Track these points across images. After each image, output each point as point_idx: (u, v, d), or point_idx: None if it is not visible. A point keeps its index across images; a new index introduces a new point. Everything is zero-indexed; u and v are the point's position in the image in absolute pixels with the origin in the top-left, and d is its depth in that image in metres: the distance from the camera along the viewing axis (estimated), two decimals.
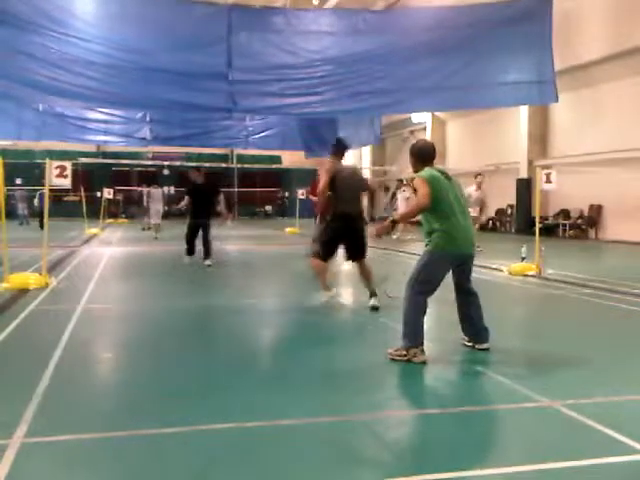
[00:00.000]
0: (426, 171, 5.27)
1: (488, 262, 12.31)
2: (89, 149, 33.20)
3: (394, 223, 5.35)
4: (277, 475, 3.12)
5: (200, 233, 12.13)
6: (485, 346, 5.44)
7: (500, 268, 11.34)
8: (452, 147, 29.69)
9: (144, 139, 18.66)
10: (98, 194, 29.40)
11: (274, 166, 36.23)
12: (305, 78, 12.03)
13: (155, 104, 12.34)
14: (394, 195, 23.36)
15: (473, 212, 15.55)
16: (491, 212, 18.81)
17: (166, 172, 37.63)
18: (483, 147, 26.14)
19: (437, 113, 29.03)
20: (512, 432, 3.78)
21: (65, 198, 32.97)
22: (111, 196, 27.23)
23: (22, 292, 8.58)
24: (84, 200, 24.73)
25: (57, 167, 9.25)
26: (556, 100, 12.72)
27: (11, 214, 23.45)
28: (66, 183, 9.33)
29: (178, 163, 29.16)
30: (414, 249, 16.05)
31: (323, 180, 7.50)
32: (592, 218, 20.74)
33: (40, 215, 23.82)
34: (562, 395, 4.24)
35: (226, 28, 11.17)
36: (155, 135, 18.58)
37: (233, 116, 16.04)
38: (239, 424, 3.72)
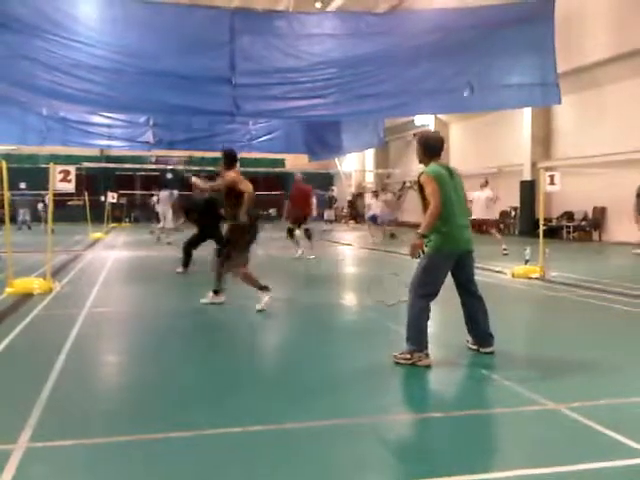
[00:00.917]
0: (432, 167, 5.22)
1: (492, 264, 12.30)
2: (93, 153, 33.27)
3: (423, 237, 5.10)
4: (282, 479, 3.11)
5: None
6: (489, 350, 5.42)
7: (503, 271, 11.32)
8: (455, 149, 29.64)
9: (147, 143, 18.71)
10: (102, 198, 29.43)
11: (277, 169, 36.26)
12: (308, 81, 12.03)
13: (158, 108, 12.36)
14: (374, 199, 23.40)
15: (487, 215, 15.58)
16: (495, 214, 18.84)
17: (169, 176, 37.69)
18: (486, 149, 26.11)
19: (440, 116, 29.01)
20: (517, 435, 3.77)
21: (69, 202, 33.01)
22: (115, 200, 27.25)
23: (26, 297, 8.59)
24: (88, 204, 24.76)
25: (61, 171, 9.27)
26: (559, 102, 12.70)
27: (11, 219, 23.47)
28: (70, 187, 9.34)
29: (181, 167, 29.22)
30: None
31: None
32: (596, 220, 20.69)
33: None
34: (567, 398, 4.23)
35: (229, 32, 11.18)
36: (158, 139, 18.61)
37: (236, 120, 16.06)
38: (244, 428, 3.72)
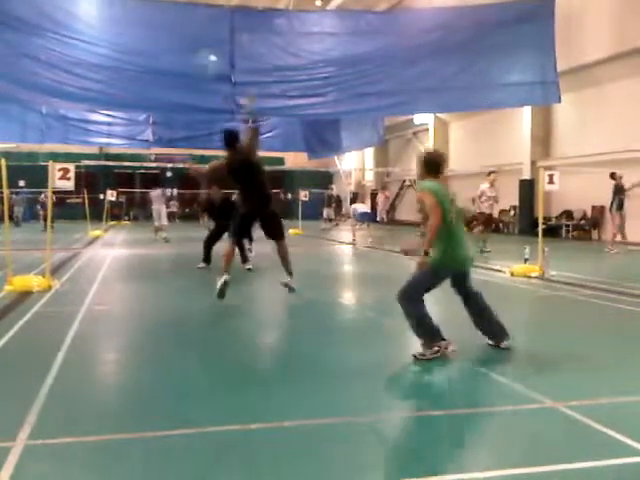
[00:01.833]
0: (430, 183, 5.30)
1: (491, 263, 12.31)
2: (92, 151, 33.24)
3: (426, 254, 5.15)
4: (280, 477, 3.12)
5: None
6: (505, 344, 5.52)
7: (502, 269, 11.32)
8: (455, 148, 29.65)
9: (147, 141, 18.72)
10: (101, 196, 29.43)
11: (277, 167, 36.24)
12: (308, 80, 12.04)
13: (158, 106, 12.37)
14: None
15: (488, 209, 15.49)
16: (494, 213, 18.85)
17: (169, 174, 37.68)
18: (486, 148, 26.11)
19: (440, 114, 29.00)
20: (515, 433, 3.77)
21: (68, 200, 33.00)
22: (114, 198, 27.25)
23: (25, 294, 8.59)
24: (87, 202, 24.75)
25: (60, 169, 9.26)
26: (559, 101, 12.71)
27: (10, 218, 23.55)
28: (69, 185, 9.34)
29: (181, 165, 29.17)
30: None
31: None
32: (595, 219, 20.70)
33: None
34: (565, 396, 4.24)
35: (229, 30, 11.19)
36: (158, 137, 18.62)
37: (236, 118, 16.06)
38: (243, 426, 3.72)
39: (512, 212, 24.70)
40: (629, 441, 3.46)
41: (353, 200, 30.04)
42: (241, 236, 8.89)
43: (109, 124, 17.76)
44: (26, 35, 10.36)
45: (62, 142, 19.30)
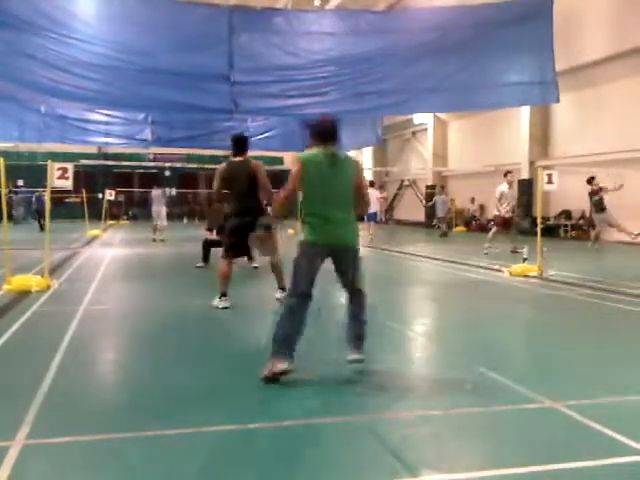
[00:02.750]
0: (307, 152, 4.92)
1: (489, 263, 12.31)
2: (90, 151, 33.22)
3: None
4: (280, 477, 3.12)
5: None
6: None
7: (501, 269, 11.32)
8: (454, 148, 29.68)
9: (145, 140, 18.71)
10: (100, 195, 29.41)
11: (275, 167, 36.24)
12: (307, 79, 12.04)
13: (156, 105, 12.37)
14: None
15: (509, 213, 15.31)
16: (492, 213, 18.93)
17: (167, 173, 37.66)
18: (484, 148, 26.11)
19: (439, 114, 29.01)
20: (513, 433, 3.77)
21: (67, 200, 32.98)
22: (113, 197, 27.23)
23: (24, 294, 8.58)
24: (85, 202, 24.71)
25: (59, 169, 9.25)
26: (557, 100, 12.72)
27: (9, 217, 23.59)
28: (68, 185, 9.33)
29: (179, 164, 29.17)
30: (417, 250, 16.09)
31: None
32: (593, 219, 20.67)
33: (40, 217, 23.95)
34: (563, 396, 4.23)
35: (227, 29, 11.19)
36: (156, 137, 18.61)
37: (234, 117, 16.07)
38: (241, 425, 3.72)
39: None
40: (627, 440, 3.46)
41: None
42: (235, 253, 7.90)
43: (107, 123, 17.76)
44: (24, 34, 10.36)
45: (60, 141, 19.28)
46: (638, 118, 18.26)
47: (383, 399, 4.35)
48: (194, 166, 37.39)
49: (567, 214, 21.87)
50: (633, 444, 3.41)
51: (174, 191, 35.21)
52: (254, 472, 3.14)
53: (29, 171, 30.00)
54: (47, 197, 9.79)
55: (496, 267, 11.63)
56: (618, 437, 3.51)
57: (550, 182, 10.93)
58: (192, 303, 8.25)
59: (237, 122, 18.50)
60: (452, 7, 15.91)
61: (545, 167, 15.75)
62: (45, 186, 9.74)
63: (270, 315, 7.92)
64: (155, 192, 21.12)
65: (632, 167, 17.62)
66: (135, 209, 38.05)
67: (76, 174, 9.91)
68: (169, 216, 22.39)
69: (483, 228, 24.17)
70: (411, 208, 33.20)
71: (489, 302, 8.67)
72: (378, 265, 13.71)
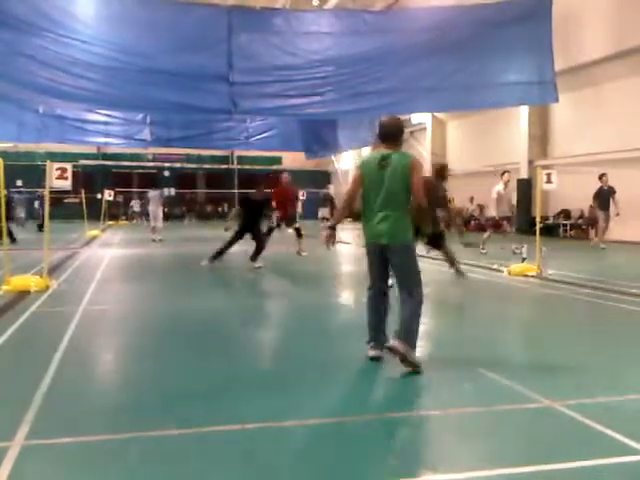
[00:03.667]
0: (366, 155, 5.23)
1: (488, 262, 12.31)
2: (89, 151, 33.23)
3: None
4: (280, 477, 3.11)
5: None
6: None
7: (500, 269, 11.32)
8: (452, 148, 29.68)
9: (144, 141, 18.69)
10: (99, 196, 29.38)
11: (275, 167, 36.25)
12: (305, 79, 12.02)
13: (155, 106, 12.34)
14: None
15: (507, 213, 15.31)
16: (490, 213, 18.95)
17: (167, 173, 37.68)
18: (483, 147, 26.12)
19: (437, 114, 29.01)
20: (513, 433, 3.77)
21: (65, 200, 32.95)
22: (112, 198, 27.21)
23: (23, 294, 8.57)
24: (84, 202, 24.72)
25: (58, 169, 9.24)
26: (556, 100, 12.71)
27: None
28: (67, 185, 9.32)
29: (178, 164, 29.18)
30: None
31: None
32: (593, 218, 20.69)
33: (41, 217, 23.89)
34: (563, 396, 4.24)
35: (226, 30, 11.17)
36: (155, 137, 18.59)
37: (233, 117, 16.05)
38: (241, 426, 3.71)
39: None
40: (627, 440, 3.46)
41: None
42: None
43: (106, 124, 17.72)
44: (23, 34, 10.34)
45: (59, 142, 19.27)
46: (638, 118, 18.26)
47: (382, 399, 4.35)
48: (193, 166, 37.48)
49: (566, 214, 21.88)
50: (633, 444, 3.41)
51: (173, 191, 35.26)
52: (254, 472, 3.14)
53: (28, 171, 29.98)
54: (46, 197, 9.77)
55: (495, 267, 11.63)
56: (618, 437, 3.51)
57: (549, 182, 10.93)
58: (191, 303, 8.25)
59: (236, 122, 18.49)
60: (451, 7, 15.90)
61: (544, 167, 15.74)
62: (44, 186, 9.73)
63: (270, 315, 7.94)
64: (152, 193, 21.16)
65: (631, 167, 17.63)
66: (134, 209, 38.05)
67: (75, 174, 9.91)
68: (169, 216, 22.38)
69: (482, 228, 24.16)
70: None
71: (488, 302, 8.68)
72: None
